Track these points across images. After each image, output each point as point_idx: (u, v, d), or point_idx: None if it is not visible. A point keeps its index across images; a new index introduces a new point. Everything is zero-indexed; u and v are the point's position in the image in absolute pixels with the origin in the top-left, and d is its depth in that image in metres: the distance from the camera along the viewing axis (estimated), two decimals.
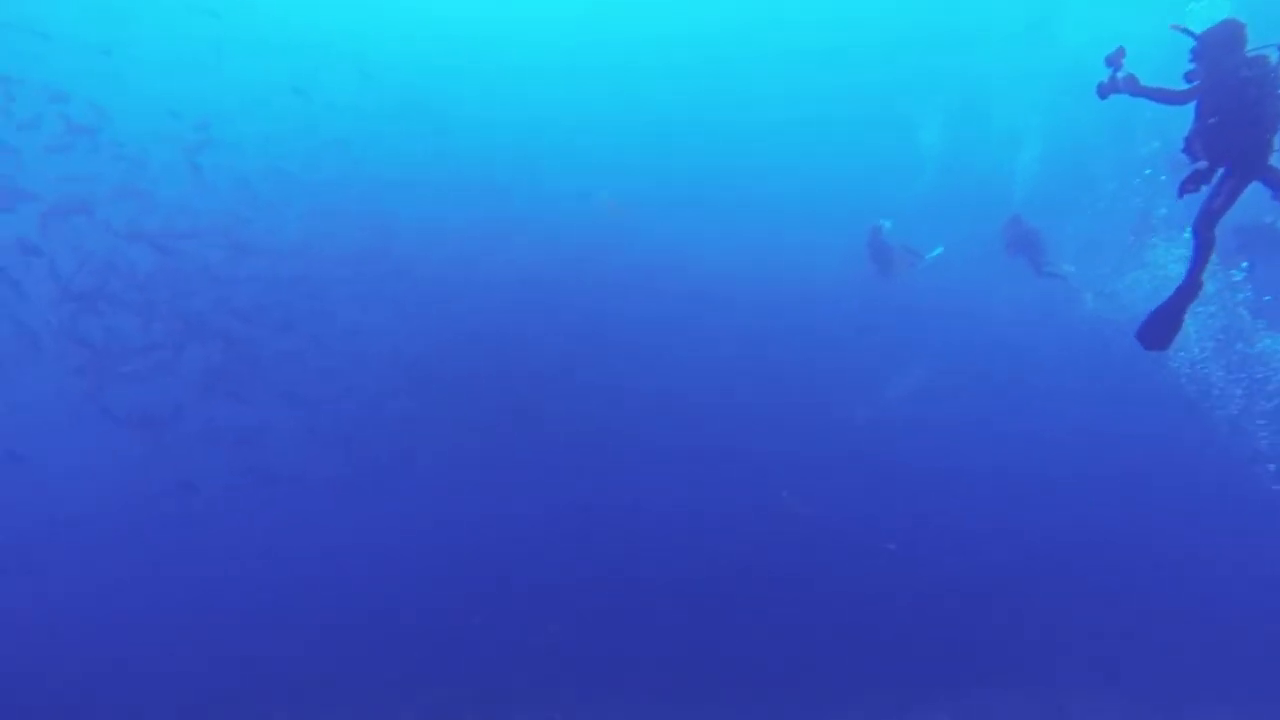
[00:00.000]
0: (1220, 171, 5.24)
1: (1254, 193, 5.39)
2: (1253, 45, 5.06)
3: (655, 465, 14.43)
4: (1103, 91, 5.63)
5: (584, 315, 17.50)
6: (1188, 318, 5.56)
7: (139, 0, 18.63)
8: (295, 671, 10.25)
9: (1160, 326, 5.56)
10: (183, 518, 12.53)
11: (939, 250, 13.03)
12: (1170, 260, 11.84)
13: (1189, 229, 5.47)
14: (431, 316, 16.49)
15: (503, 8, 21.05)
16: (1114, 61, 5.53)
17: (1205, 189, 5.42)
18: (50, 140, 13.93)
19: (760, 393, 16.89)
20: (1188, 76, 5.29)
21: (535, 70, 21.92)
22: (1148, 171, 12.68)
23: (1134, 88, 5.49)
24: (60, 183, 14.00)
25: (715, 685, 10.57)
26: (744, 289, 18.93)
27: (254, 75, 18.99)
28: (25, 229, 13.27)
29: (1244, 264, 11.39)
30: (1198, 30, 5.21)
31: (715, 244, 20.16)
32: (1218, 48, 5.09)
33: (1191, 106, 5.36)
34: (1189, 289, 5.38)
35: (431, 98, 20.32)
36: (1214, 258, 5.39)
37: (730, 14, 21.48)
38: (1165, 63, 5.76)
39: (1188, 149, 5.37)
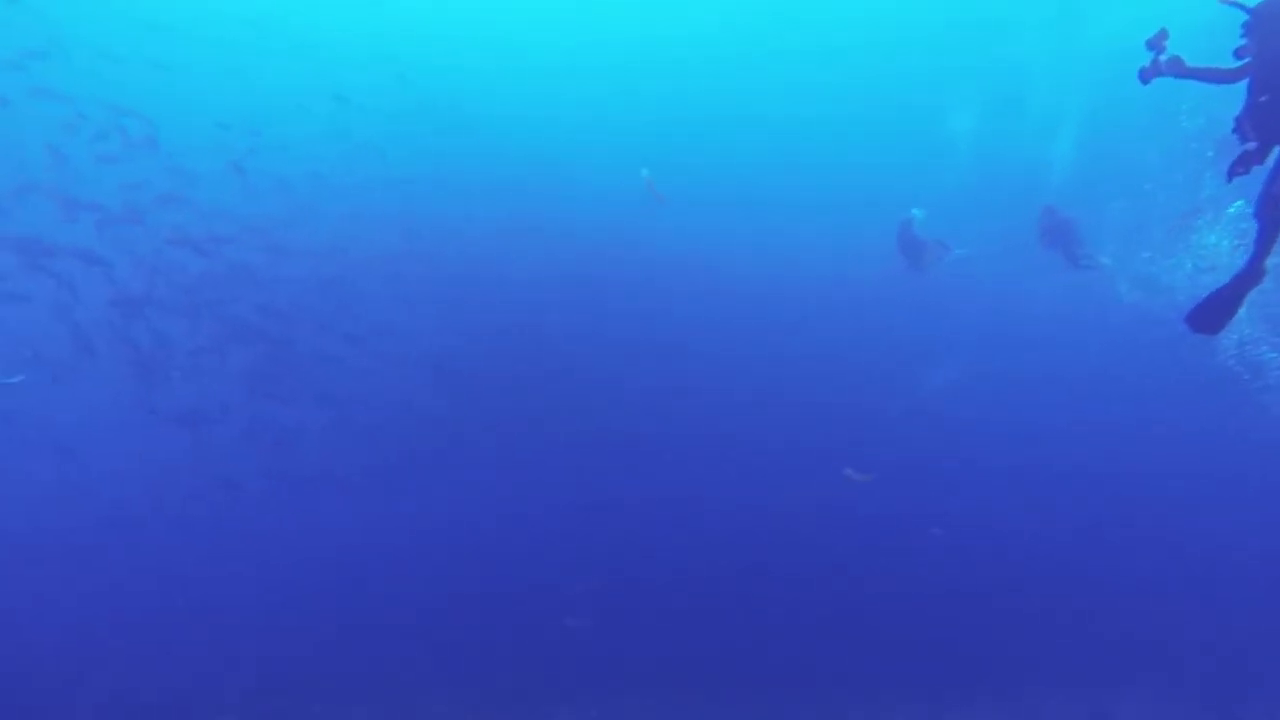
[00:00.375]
0: (1277, 152, 4.79)
1: None
2: None
3: (685, 462, 14.18)
4: (1145, 76, 5.24)
5: (613, 314, 17.28)
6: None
7: (186, 16, 18.99)
8: (330, 667, 10.27)
9: (1215, 311, 5.18)
10: (224, 514, 12.68)
11: (965, 251, 12.47)
12: (1217, 242, 11.22)
13: (1252, 211, 5.02)
14: (461, 316, 16.44)
15: (528, 7, 20.88)
16: (1156, 45, 5.15)
17: (1256, 171, 4.98)
18: (109, 152, 14.21)
19: (793, 390, 16.47)
20: (1238, 53, 4.88)
21: (561, 69, 21.71)
22: (1193, 146, 11.99)
23: (1179, 70, 5.09)
24: (116, 192, 14.28)
25: (754, 683, 10.29)
26: (774, 286, 18.50)
27: (294, 83, 19.25)
28: (84, 238, 13.58)
29: None
30: (1250, 3, 4.77)
31: (745, 241, 19.76)
32: (1272, 21, 4.64)
33: (1242, 85, 4.91)
34: (1251, 275, 4.97)
35: (460, 98, 20.28)
36: None
37: (757, 9, 20.98)
38: (1209, 43, 5.33)
39: (1238, 129, 4.95)
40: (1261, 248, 4.90)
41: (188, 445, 13.20)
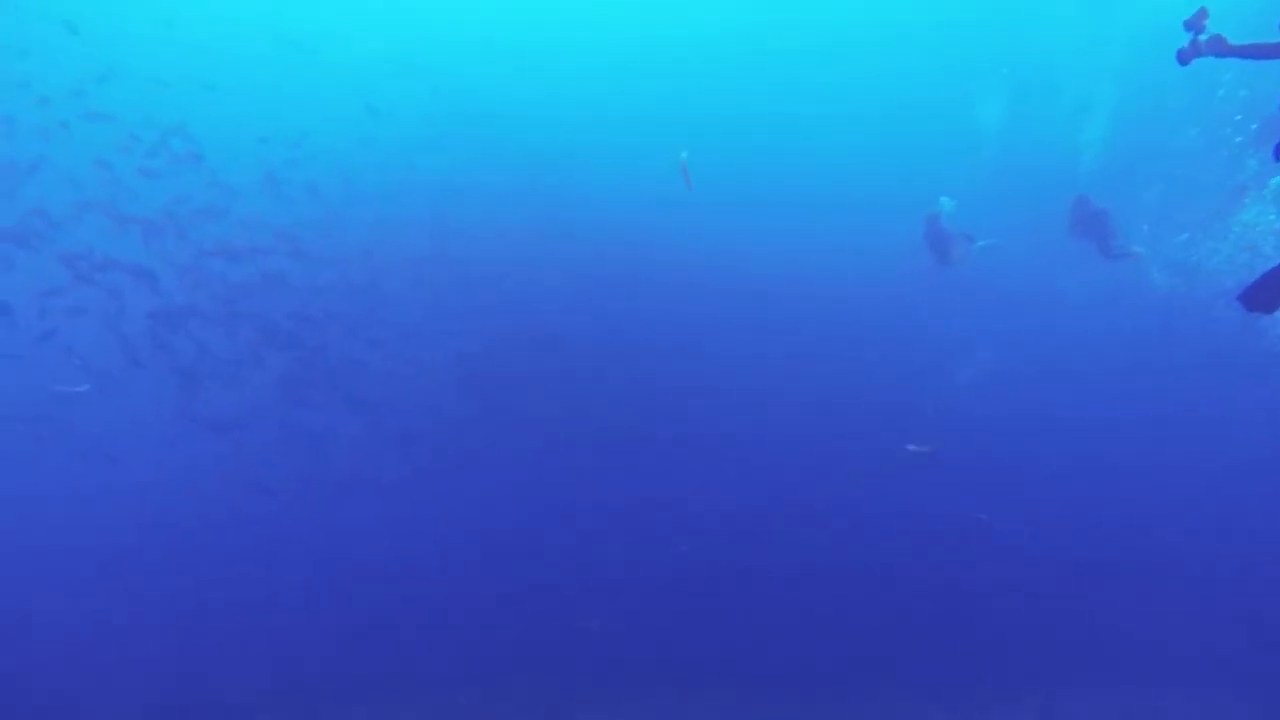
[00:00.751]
0: None
1: None
2: None
3: (714, 463, 13.87)
4: (1184, 57, 4.87)
5: (639, 315, 17.02)
6: None
7: (231, 40, 19.44)
8: (360, 669, 10.26)
9: (1271, 291, 4.75)
10: (257, 519, 12.80)
11: (988, 241, 11.90)
12: (1258, 220, 10.61)
13: None
14: (489, 320, 16.37)
15: (555, 11, 20.71)
16: (1195, 25, 4.78)
17: None
18: (156, 169, 14.48)
19: (822, 388, 16.00)
20: None
21: (586, 72, 21.51)
22: (1238, 118, 11.31)
23: (1221, 48, 4.70)
24: (162, 207, 14.56)
25: (792, 682, 9.99)
26: (802, 284, 18.03)
27: (330, 96, 19.50)
28: (131, 251, 13.86)
29: None
30: None
31: (773, 239, 19.32)
32: None
33: None
34: None
35: (487, 105, 20.26)
36: None
37: (782, 6, 20.47)
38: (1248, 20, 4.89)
39: None
40: None
41: (224, 451, 13.36)
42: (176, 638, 10.69)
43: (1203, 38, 4.78)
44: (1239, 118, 11.25)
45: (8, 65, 15.82)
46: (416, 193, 17.99)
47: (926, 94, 20.48)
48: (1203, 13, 4.75)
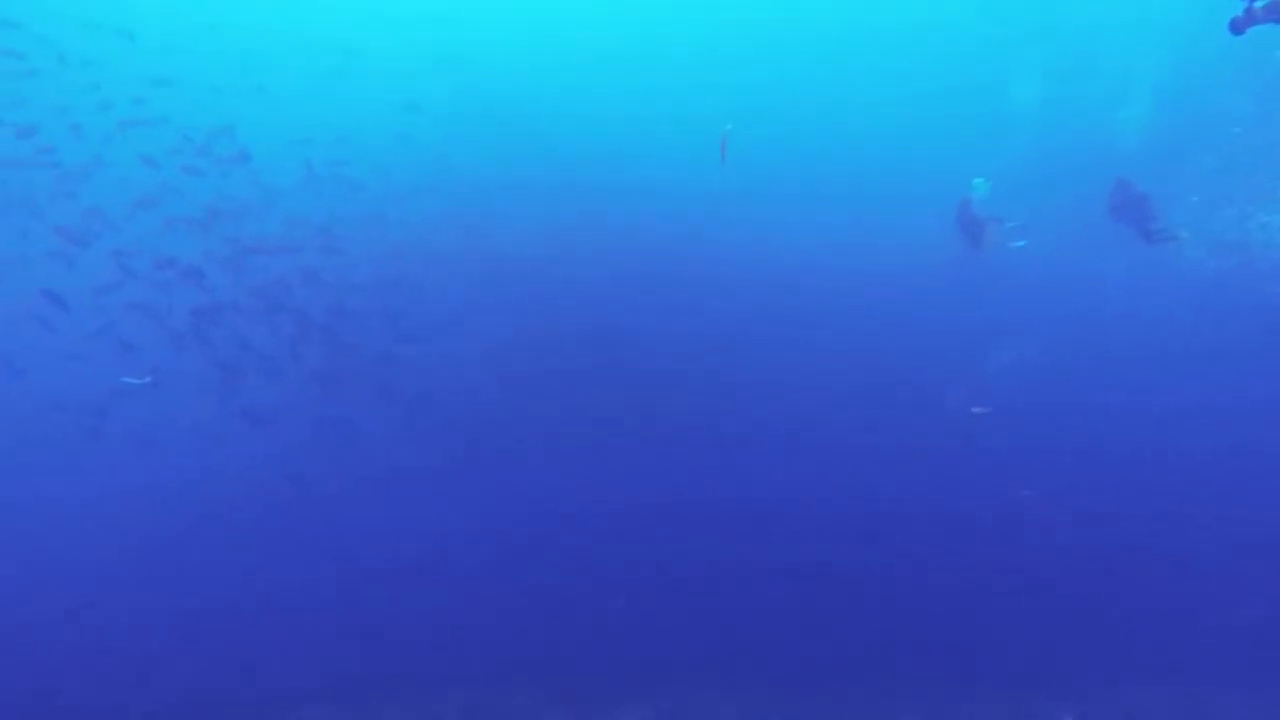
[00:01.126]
0: None
1: None
2: None
3: (751, 455, 13.53)
4: (1238, 26, 4.51)
5: (675, 309, 16.71)
6: None
7: (281, 47, 19.87)
8: (398, 664, 10.26)
9: None
10: (296, 511, 12.96)
11: (1017, 221, 11.27)
12: None
13: None
14: (523, 314, 16.30)
15: (589, 9, 20.46)
16: None
17: None
18: (206, 168, 14.71)
19: (859, 379, 15.49)
20: None
21: (621, 65, 21.23)
22: None
23: (1278, 14, 4.25)
24: (209, 205, 14.81)
25: (837, 677, 9.66)
26: (837, 275, 17.48)
27: (373, 97, 19.72)
28: (181, 249, 14.14)
29: None
30: None
31: (809, 230, 18.80)
32: None
33: None
34: None
35: (524, 99, 20.18)
36: None
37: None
38: None
39: None
40: None
41: (263, 445, 13.58)
42: (220, 626, 10.84)
43: (1259, 4, 4.37)
44: None
45: (74, 73, 16.28)
46: (452, 188, 18.01)
47: (959, 78, 19.67)
48: None
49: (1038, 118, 17.86)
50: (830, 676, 9.64)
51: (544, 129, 19.79)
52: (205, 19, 19.66)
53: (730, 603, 10.99)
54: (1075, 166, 14.20)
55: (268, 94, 19.53)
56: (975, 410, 12.13)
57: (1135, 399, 14.00)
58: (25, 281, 14.37)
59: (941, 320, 16.03)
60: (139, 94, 15.78)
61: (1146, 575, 10.67)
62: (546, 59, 21.00)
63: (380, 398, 13.93)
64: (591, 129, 20.32)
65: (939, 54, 20.12)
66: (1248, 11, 4.50)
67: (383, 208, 16.53)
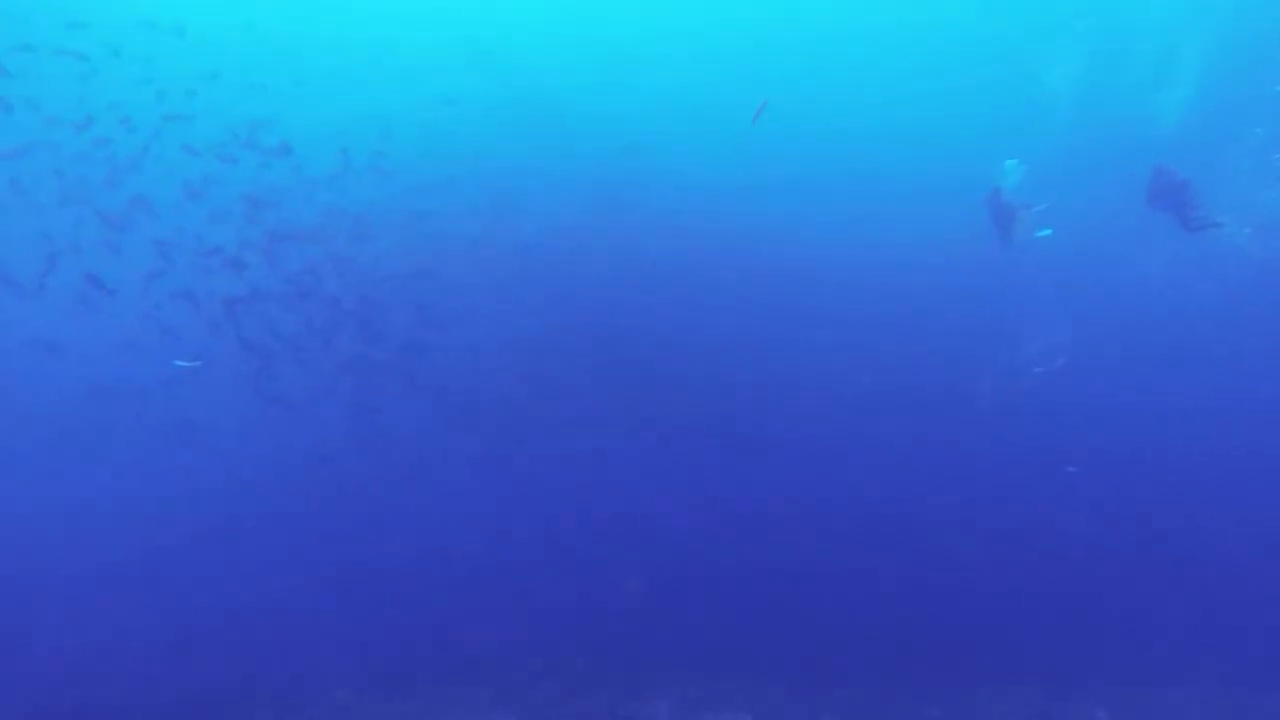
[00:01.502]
0: None
1: None
2: None
3: (778, 447, 13.20)
4: None
5: (701, 301, 16.39)
6: None
7: (323, 42, 19.91)
8: (427, 650, 10.17)
9: None
10: (322, 493, 13.00)
11: (1044, 205, 10.70)
12: None
13: None
14: (552, 304, 16.16)
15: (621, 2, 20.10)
16: None
17: None
18: (247, 160, 14.87)
19: (893, 376, 14.98)
20: None
21: (649, 59, 20.84)
22: None
23: None
24: (248, 195, 14.97)
25: (873, 669, 9.39)
26: (867, 269, 16.94)
27: (411, 91, 19.66)
28: (222, 238, 14.34)
29: None
30: None
31: (839, 223, 18.27)
32: None
33: None
34: None
35: (552, 91, 19.95)
36: None
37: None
38: None
39: None
40: None
41: (294, 430, 13.66)
42: (252, 615, 10.86)
43: None
44: None
45: (128, 66, 16.57)
46: (483, 180, 17.94)
47: (992, 66, 18.84)
48: None
49: (1074, 102, 17.03)
50: (864, 669, 9.37)
51: (575, 124, 19.58)
52: (246, 16, 19.86)
53: (766, 595, 10.74)
54: (1113, 154, 13.49)
55: (306, 86, 19.66)
56: (1038, 370, 11.40)
57: (1175, 397, 13.30)
58: (76, 269, 14.74)
59: (972, 315, 15.43)
60: (190, 86, 16.03)
61: (1188, 575, 10.14)
62: (579, 55, 20.76)
63: (408, 385, 13.89)
64: (622, 124, 20.05)
65: (975, 39, 19.31)
66: None
67: (417, 198, 16.55)
